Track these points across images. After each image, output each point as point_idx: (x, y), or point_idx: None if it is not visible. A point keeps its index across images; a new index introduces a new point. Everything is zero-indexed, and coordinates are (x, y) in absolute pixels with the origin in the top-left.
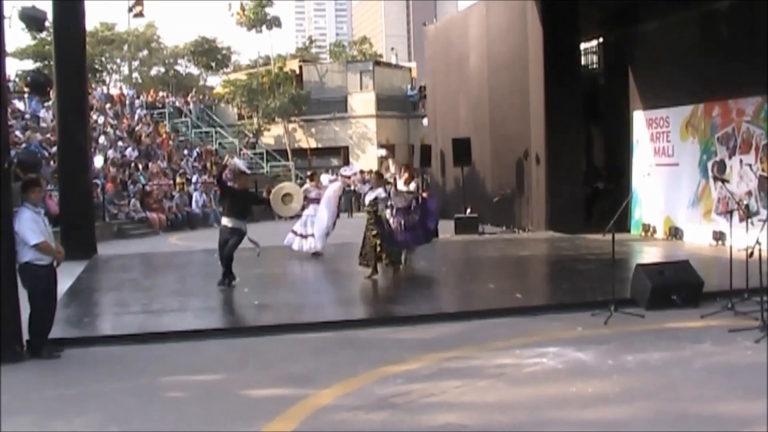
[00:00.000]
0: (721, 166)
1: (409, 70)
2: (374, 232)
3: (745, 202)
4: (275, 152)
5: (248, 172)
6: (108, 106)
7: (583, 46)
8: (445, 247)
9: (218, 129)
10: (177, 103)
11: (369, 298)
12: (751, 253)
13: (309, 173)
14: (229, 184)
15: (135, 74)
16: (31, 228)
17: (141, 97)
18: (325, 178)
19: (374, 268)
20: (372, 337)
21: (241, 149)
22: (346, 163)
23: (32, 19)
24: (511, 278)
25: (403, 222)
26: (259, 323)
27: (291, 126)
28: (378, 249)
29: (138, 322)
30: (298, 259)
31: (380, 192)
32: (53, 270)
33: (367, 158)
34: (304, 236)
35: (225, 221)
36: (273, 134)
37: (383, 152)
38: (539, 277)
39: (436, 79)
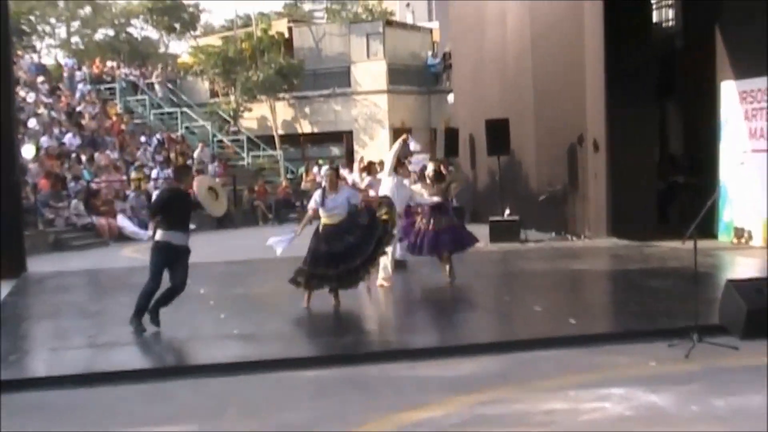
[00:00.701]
0: None
1: (430, 32)
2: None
3: None
4: (258, 139)
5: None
6: (40, 80)
7: None
8: (479, 259)
9: (185, 109)
10: (131, 76)
11: (380, 325)
12: None
13: (363, 163)
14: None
15: (75, 39)
16: None
17: (83, 69)
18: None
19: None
20: (385, 374)
21: (213, 135)
22: (350, 152)
23: None
24: (563, 299)
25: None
26: (240, 359)
27: (279, 105)
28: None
29: (82, 360)
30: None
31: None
32: None
33: (376, 146)
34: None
35: (172, 237)
36: (255, 116)
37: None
38: (599, 297)
39: (465, 44)
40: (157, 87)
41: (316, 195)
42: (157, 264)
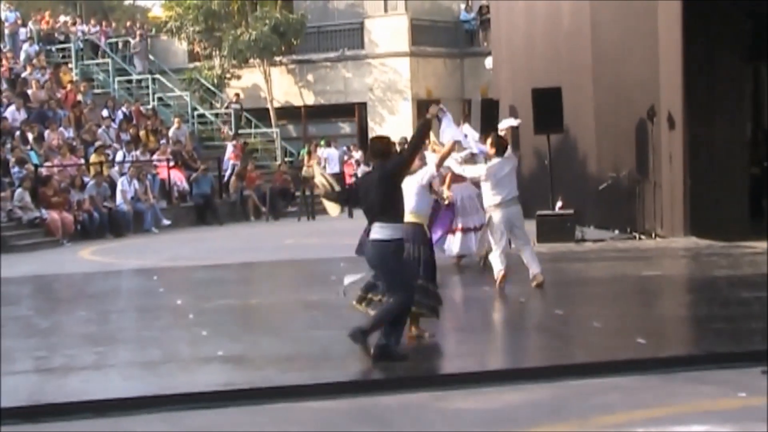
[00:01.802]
0: None
1: None
2: None
3: None
4: (249, 112)
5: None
6: None
7: None
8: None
9: (157, 76)
10: (90, 35)
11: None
12: None
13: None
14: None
15: None
16: None
17: (29, 25)
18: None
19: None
20: (406, 406)
21: (194, 109)
22: (363, 130)
23: None
24: (630, 313)
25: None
26: (225, 386)
27: (274, 71)
28: None
29: (28, 388)
30: (289, 283)
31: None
32: None
33: (396, 122)
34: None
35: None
36: (245, 84)
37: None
38: (675, 312)
39: None
40: (136, 61)
41: None
42: (404, 268)
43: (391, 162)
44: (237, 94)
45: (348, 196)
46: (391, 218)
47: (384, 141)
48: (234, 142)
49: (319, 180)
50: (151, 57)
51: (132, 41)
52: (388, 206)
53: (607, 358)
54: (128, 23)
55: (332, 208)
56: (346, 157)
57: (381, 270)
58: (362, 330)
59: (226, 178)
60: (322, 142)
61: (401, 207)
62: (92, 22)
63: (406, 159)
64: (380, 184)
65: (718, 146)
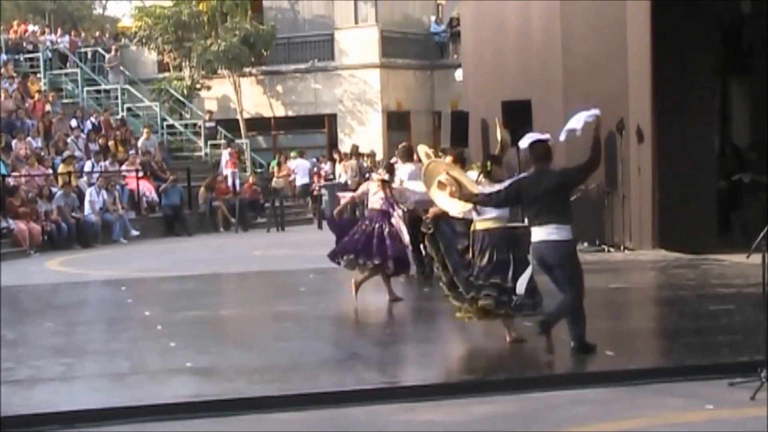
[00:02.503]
0: None
1: None
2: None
3: None
4: (220, 123)
5: None
6: None
7: None
8: None
9: (127, 86)
10: (59, 44)
11: (368, 357)
12: None
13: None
14: None
15: None
16: None
17: None
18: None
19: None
20: (374, 418)
21: (163, 119)
22: (333, 141)
23: None
24: (598, 325)
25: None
26: (194, 398)
27: (244, 82)
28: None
29: None
30: (258, 294)
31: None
32: None
33: (367, 133)
34: None
35: None
36: (215, 95)
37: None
38: (643, 324)
39: (477, 6)
40: (110, 74)
41: None
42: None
43: (572, 171)
44: (210, 112)
45: (505, 197)
46: (567, 221)
47: (546, 145)
48: (229, 149)
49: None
50: (120, 67)
51: (107, 55)
52: (565, 209)
53: (575, 370)
54: (98, 33)
55: (454, 206)
56: (315, 169)
57: (560, 267)
58: (546, 322)
59: (231, 188)
60: (293, 153)
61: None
62: (59, 31)
63: (587, 171)
64: (560, 189)
65: (687, 159)
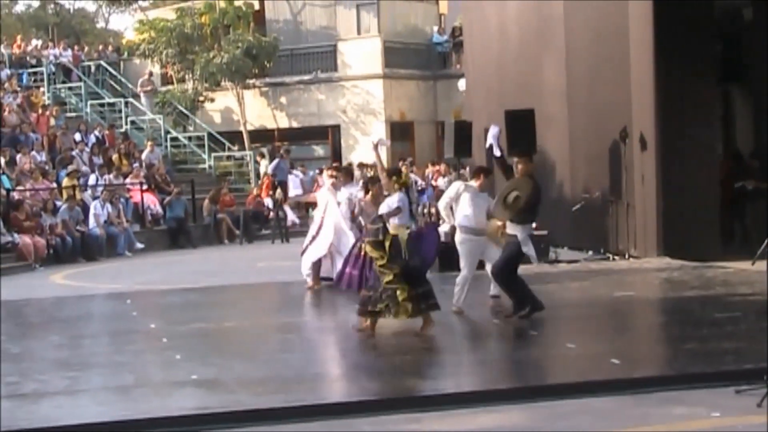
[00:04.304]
0: None
1: (436, 2)
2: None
3: None
4: (222, 135)
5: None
6: None
7: None
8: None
9: (130, 100)
10: (62, 58)
11: (375, 368)
12: None
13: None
14: None
15: None
16: None
17: (1, 49)
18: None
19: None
20: (380, 428)
21: (167, 132)
22: (336, 152)
23: None
24: (603, 334)
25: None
26: (199, 410)
27: (247, 94)
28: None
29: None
30: (262, 306)
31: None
32: None
33: (370, 144)
34: None
35: None
36: (218, 107)
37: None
38: (649, 333)
39: (479, 15)
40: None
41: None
42: None
43: None
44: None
45: None
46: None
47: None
48: (266, 175)
49: None
50: (123, 80)
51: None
52: None
53: (581, 378)
54: (101, 47)
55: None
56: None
57: None
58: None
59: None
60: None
61: None
62: (62, 45)
63: None
64: None
65: (690, 167)
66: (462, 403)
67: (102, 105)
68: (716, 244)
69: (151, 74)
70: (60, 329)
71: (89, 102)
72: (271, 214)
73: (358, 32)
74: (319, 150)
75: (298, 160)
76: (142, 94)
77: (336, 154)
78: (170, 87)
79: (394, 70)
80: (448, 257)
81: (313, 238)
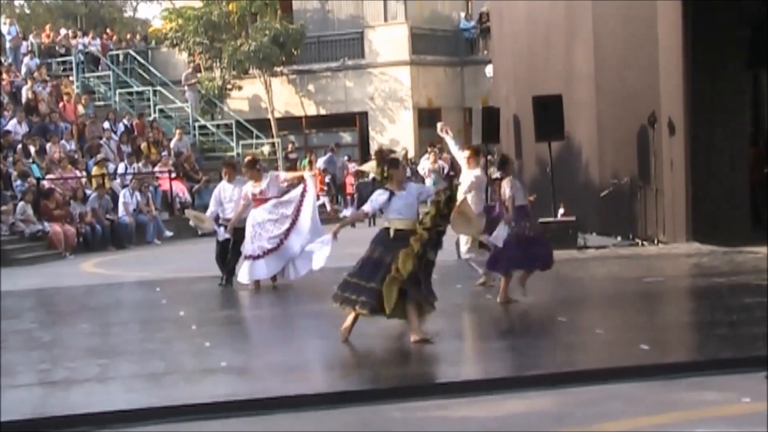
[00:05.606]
0: None
1: None
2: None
3: None
4: (250, 123)
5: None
6: None
7: None
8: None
9: (158, 88)
10: (91, 47)
11: (403, 354)
12: None
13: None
14: None
15: (19, 1)
16: None
17: (30, 38)
18: None
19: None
20: (409, 416)
21: (194, 120)
22: (364, 139)
23: None
24: (632, 320)
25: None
26: (229, 397)
27: (275, 81)
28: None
29: (32, 401)
30: (291, 293)
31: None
32: None
33: (397, 130)
34: None
35: None
36: (246, 95)
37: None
38: (678, 318)
39: (506, 2)
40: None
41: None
42: None
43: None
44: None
45: None
46: None
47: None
48: (312, 172)
49: None
50: (151, 69)
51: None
52: None
53: (610, 364)
54: (128, 35)
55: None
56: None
57: None
58: None
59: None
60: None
61: None
62: (91, 34)
63: None
64: None
65: (719, 152)
66: (490, 389)
67: (130, 94)
68: (745, 229)
69: (195, 68)
70: (90, 317)
71: (117, 91)
72: (328, 207)
73: (385, 19)
74: (347, 137)
75: (319, 148)
76: (186, 88)
77: (363, 141)
78: (199, 75)
79: (422, 57)
80: None
81: None
